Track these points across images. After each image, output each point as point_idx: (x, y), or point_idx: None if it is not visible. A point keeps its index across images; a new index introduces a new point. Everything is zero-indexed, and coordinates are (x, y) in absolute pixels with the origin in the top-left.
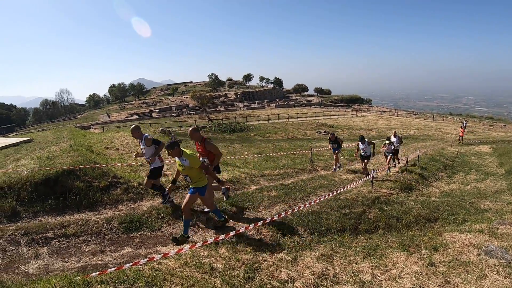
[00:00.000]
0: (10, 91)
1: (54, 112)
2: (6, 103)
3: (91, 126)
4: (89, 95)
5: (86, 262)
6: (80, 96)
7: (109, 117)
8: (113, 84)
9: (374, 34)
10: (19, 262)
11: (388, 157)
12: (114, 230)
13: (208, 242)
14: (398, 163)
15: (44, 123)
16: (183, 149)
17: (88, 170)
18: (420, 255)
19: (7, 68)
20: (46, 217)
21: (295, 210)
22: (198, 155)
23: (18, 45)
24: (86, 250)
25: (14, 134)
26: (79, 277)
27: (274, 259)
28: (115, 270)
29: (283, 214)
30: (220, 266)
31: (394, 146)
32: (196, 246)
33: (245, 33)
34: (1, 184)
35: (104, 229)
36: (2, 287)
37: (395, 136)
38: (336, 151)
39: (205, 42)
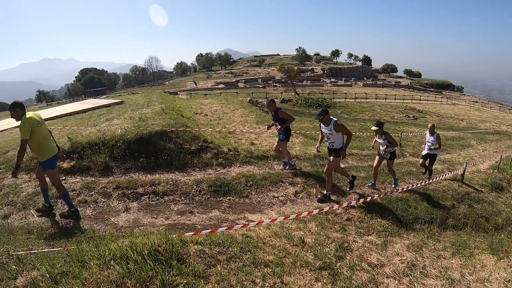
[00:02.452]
0: (102, 57)
1: (143, 77)
2: (98, 68)
3: (178, 92)
4: (177, 63)
5: (174, 221)
6: (168, 64)
7: (196, 85)
8: (200, 54)
9: (473, 14)
10: (109, 213)
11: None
12: (202, 192)
13: (302, 215)
14: (428, 177)
15: (133, 87)
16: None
17: (180, 132)
18: (510, 262)
19: (100, 35)
20: (137, 174)
21: (381, 196)
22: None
23: (111, 15)
24: (175, 209)
25: (105, 96)
26: (175, 235)
27: (364, 241)
28: (209, 232)
29: (375, 197)
30: (310, 241)
31: (430, 148)
32: (289, 218)
33: (334, 8)
34: (95, 140)
35: (193, 190)
36: (98, 237)
37: (431, 132)
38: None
39: (293, 14)
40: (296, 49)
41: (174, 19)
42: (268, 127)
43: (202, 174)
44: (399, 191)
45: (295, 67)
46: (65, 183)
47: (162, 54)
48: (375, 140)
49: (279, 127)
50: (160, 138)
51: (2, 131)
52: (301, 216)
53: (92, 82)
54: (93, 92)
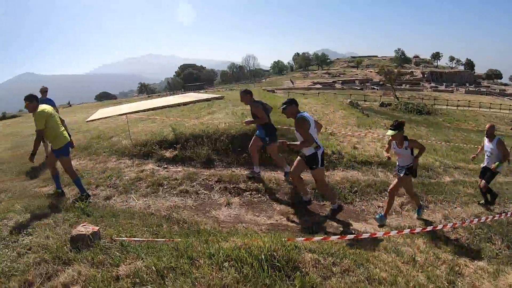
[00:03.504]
0: (202, 54)
1: (240, 75)
2: (197, 64)
3: (275, 91)
4: (274, 62)
5: (276, 221)
6: (264, 62)
7: (293, 84)
8: (297, 53)
9: None
10: (210, 206)
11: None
12: None
13: (404, 232)
14: (490, 205)
15: (230, 84)
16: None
17: (284, 130)
18: None
19: (199, 33)
20: (239, 169)
21: (495, 218)
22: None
23: (212, 20)
24: (277, 208)
25: (203, 91)
26: (285, 239)
27: (475, 267)
28: (321, 239)
29: (483, 219)
30: (420, 260)
31: (489, 157)
32: (403, 232)
33: (435, 9)
34: (199, 132)
35: (295, 191)
36: (205, 231)
37: (490, 137)
38: None
39: (391, 15)
40: (395, 50)
41: (271, 18)
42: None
43: (304, 175)
44: (508, 215)
45: (395, 70)
46: (167, 171)
47: (259, 52)
48: (389, 148)
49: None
50: None
51: (107, 117)
52: (415, 232)
53: (190, 77)
54: (191, 87)
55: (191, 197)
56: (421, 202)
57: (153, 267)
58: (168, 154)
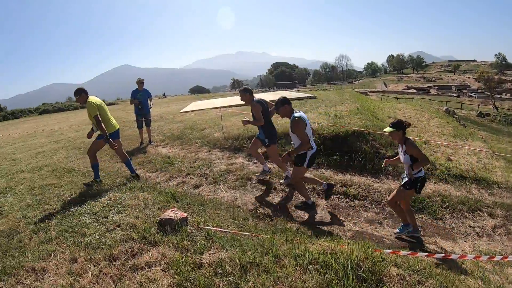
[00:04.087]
0: (293, 53)
1: (332, 75)
2: (289, 63)
3: (368, 93)
4: (367, 63)
5: (362, 228)
6: (358, 63)
7: (386, 87)
8: (391, 55)
9: None
10: (292, 204)
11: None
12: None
13: (495, 259)
14: None
15: (323, 84)
16: None
17: (377, 135)
18: None
19: (290, 31)
20: (329, 171)
21: None
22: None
23: (306, 19)
24: (364, 216)
25: (295, 90)
26: (372, 249)
27: None
28: (408, 254)
29: None
30: None
31: None
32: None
33: None
34: (284, 131)
35: (385, 200)
36: (290, 231)
37: None
38: None
39: (490, 15)
40: (495, 55)
41: (365, 18)
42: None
43: (395, 184)
44: None
45: (495, 77)
46: (256, 166)
47: (352, 53)
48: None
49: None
50: (356, 138)
51: (200, 110)
52: (507, 259)
53: (283, 75)
54: (283, 85)
55: (278, 194)
56: (414, 223)
57: (237, 260)
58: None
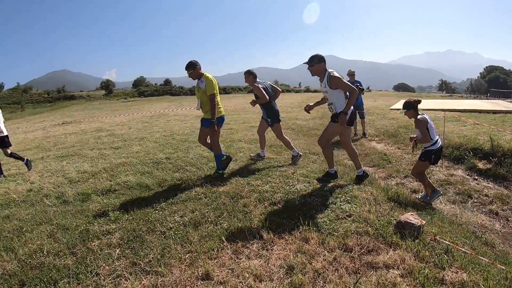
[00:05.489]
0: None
1: None
2: (505, 68)
3: None
4: None
5: None
6: None
7: None
8: None
9: None
10: None
11: None
12: None
13: None
14: None
15: None
16: None
17: None
18: None
19: (508, 32)
20: None
21: None
22: None
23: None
24: None
25: (510, 100)
26: None
27: None
28: None
29: None
30: None
31: None
32: None
33: None
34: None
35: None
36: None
37: None
38: None
39: None
40: None
41: None
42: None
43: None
44: None
45: None
46: (477, 183)
47: None
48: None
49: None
50: None
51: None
52: None
53: (496, 81)
54: (496, 92)
55: (499, 221)
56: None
57: (482, 287)
58: (481, 165)
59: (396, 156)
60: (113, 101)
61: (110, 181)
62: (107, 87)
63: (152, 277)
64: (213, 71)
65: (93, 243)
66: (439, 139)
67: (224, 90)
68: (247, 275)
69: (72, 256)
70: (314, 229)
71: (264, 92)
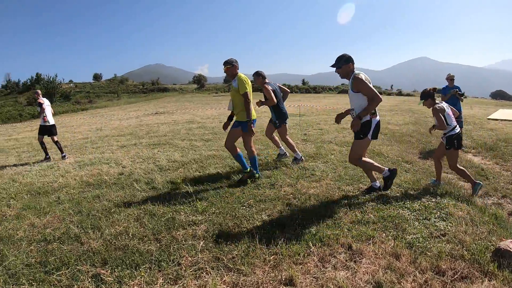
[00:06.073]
0: None
1: None
2: None
3: None
4: None
5: None
6: None
7: None
8: None
9: None
10: None
11: None
12: None
13: None
14: None
15: None
16: None
17: None
18: None
19: None
20: None
21: None
22: None
23: None
24: None
25: None
26: None
27: None
28: None
29: None
30: None
31: None
32: None
33: None
34: None
35: None
36: None
37: None
38: None
39: None
40: None
41: None
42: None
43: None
44: None
45: None
46: None
47: None
48: None
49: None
50: None
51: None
52: None
53: None
54: None
55: None
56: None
57: None
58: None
59: (494, 172)
60: (204, 94)
61: (200, 172)
62: (199, 81)
63: (234, 275)
64: (303, 70)
65: (178, 232)
66: (457, 126)
67: (315, 90)
68: (332, 287)
69: (156, 243)
70: (406, 245)
71: (273, 94)
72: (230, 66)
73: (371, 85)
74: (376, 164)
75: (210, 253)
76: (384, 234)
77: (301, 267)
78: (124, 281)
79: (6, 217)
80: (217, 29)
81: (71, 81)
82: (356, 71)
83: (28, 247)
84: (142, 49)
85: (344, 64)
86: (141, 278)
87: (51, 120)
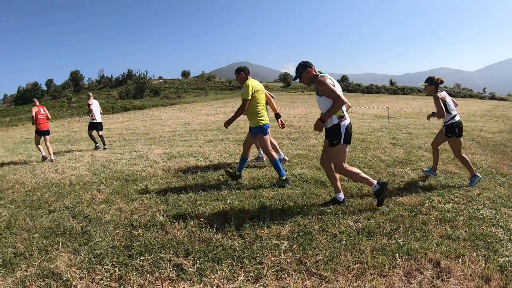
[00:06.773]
0: None
1: None
2: None
3: None
4: None
5: None
6: None
7: None
8: None
9: None
10: None
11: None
12: None
13: None
14: None
15: None
16: None
17: None
18: None
19: None
20: None
21: None
22: None
23: None
24: None
25: None
26: None
27: None
28: None
29: None
30: None
31: None
32: None
33: None
34: None
35: None
36: None
37: None
38: None
39: None
40: None
41: None
42: None
43: None
44: None
45: None
46: None
47: None
48: None
49: None
50: None
51: None
52: None
53: None
54: None
55: None
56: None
57: None
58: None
59: None
60: (290, 93)
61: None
62: (285, 80)
63: (316, 280)
64: (389, 70)
65: (263, 231)
66: (457, 114)
67: (403, 91)
68: None
69: (240, 239)
70: (498, 268)
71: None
72: (237, 74)
73: (335, 88)
74: (364, 175)
75: (294, 255)
76: (474, 254)
77: (385, 280)
78: (205, 274)
79: (95, 201)
80: (307, 32)
81: (160, 77)
82: (321, 74)
83: (114, 231)
84: (229, 48)
85: (302, 71)
86: (222, 272)
87: (98, 118)
